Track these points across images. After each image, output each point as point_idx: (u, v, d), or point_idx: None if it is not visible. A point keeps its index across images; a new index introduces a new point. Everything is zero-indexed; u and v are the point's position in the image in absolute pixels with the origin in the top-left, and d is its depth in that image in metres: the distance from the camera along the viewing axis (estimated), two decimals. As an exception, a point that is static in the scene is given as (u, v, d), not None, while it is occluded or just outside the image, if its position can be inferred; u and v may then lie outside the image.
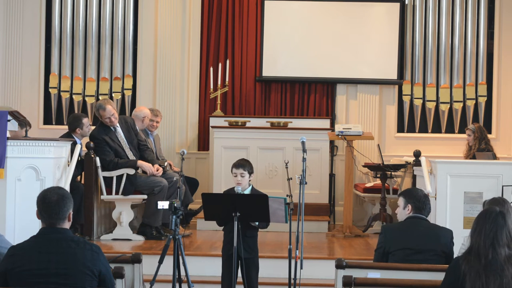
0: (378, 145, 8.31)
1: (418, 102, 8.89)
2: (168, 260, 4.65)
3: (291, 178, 4.97)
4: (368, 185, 8.10)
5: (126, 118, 7.03)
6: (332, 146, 8.65)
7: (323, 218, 7.78)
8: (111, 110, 6.72)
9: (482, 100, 8.83)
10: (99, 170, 6.79)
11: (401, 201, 4.32)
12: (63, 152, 5.76)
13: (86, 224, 6.79)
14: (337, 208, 8.56)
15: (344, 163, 7.89)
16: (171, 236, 4.54)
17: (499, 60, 8.90)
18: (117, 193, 6.76)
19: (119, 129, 6.84)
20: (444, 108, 8.86)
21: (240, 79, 8.97)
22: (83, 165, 6.80)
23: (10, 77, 8.91)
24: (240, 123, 8.01)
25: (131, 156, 6.83)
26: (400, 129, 8.98)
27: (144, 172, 6.79)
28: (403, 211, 4.29)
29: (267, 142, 7.91)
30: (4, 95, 8.88)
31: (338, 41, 8.80)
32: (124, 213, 6.83)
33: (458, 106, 8.83)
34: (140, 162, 6.77)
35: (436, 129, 8.92)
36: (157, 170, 6.80)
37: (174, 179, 6.99)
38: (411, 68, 8.91)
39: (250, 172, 4.83)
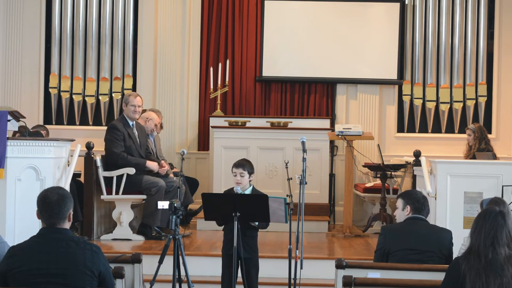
0: (378, 145, 8.31)
1: (418, 102, 8.89)
2: (168, 260, 4.64)
3: (291, 178, 4.97)
4: (368, 185, 8.10)
5: (140, 125, 7.09)
6: (332, 146, 8.65)
7: (323, 218, 7.78)
8: (140, 102, 6.87)
9: (482, 100, 8.83)
10: (99, 170, 6.80)
11: (399, 202, 4.31)
12: (63, 152, 5.76)
13: (86, 224, 6.79)
14: (337, 208, 8.57)
15: (344, 163, 7.89)
16: (171, 236, 4.54)
17: (499, 60, 8.90)
18: (117, 193, 6.77)
19: (135, 129, 6.89)
20: (444, 108, 8.86)
21: (240, 79, 8.97)
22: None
23: (10, 77, 8.91)
24: (240, 123, 8.01)
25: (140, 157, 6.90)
26: (400, 129, 8.98)
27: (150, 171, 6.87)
28: (402, 213, 4.29)
29: (267, 142, 7.91)
30: (4, 95, 8.88)
31: (338, 41, 8.80)
32: (124, 213, 6.83)
33: (458, 106, 8.83)
34: (149, 163, 6.81)
35: (436, 129, 8.92)
36: (164, 167, 6.90)
37: (174, 178, 7.01)
38: (411, 68, 8.91)
39: (250, 172, 4.83)
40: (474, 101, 8.83)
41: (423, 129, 8.93)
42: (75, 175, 6.90)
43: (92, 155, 6.84)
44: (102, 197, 6.86)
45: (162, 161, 7.07)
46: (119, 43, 8.90)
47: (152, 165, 6.86)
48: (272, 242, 6.72)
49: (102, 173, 6.79)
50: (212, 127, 8.09)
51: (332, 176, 8.60)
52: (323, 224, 7.66)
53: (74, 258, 3.08)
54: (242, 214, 4.40)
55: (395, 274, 3.78)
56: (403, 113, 8.97)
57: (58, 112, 8.94)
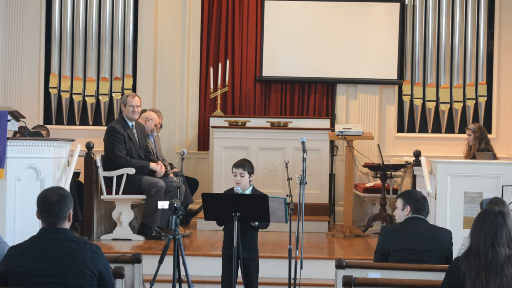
0: (378, 145, 8.31)
1: (418, 102, 8.89)
2: (168, 260, 4.65)
3: (291, 178, 4.97)
4: (368, 185, 8.09)
5: (141, 124, 7.07)
6: (332, 146, 8.65)
7: (323, 218, 7.78)
8: (138, 102, 6.84)
9: (482, 100, 8.83)
10: (100, 170, 6.80)
11: (399, 202, 4.31)
12: (63, 152, 5.76)
13: (86, 224, 6.80)
14: (337, 208, 8.56)
15: (344, 163, 7.89)
16: (171, 236, 4.54)
17: (499, 60, 8.89)
18: (117, 193, 6.77)
19: (134, 130, 6.88)
20: (444, 108, 8.86)
21: (240, 79, 8.97)
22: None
23: (10, 77, 8.91)
24: (240, 123, 8.01)
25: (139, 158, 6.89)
26: (400, 129, 8.98)
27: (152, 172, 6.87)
28: (401, 213, 4.28)
29: (267, 142, 7.91)
30: (4, 95, 8.88)
31: (338, 41, 8.80)
32: (124, 213, 6.83)
33: (458, 106, 8.83)
34: (152, 165, 6.81)
35: (436, 129, 8.92)
36: (161, 169, 6.89)
37: (174, 178, 7.01)
38: (411, 68, 8.91)
39: (250, 172, 4.83)
40: (474, 101, 8.83)
41: (423, 129, 8.93)
42: (75, 174, 6.90)
43: (92, 155, 6.84)
44: (102, 197, 6.86)
45: (159, 162, 7.05)
46: (119, 43, 8.90)
47: (155, 166, 6.86)
48: (272, 242, 6.72)
49: (102, 173, 6.79)
50: (212, 127, 8.09)
51: (332, 176, 8.60)
52: (323, 224, 7.66)
53: (74, 258, 3.08)
54: (242, 214, 4.41)
55: (395, 274, 3.78)
56: (403, 113, 8.97)
57: (58, 112, 8.94)
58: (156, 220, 6.79)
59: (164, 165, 7.03)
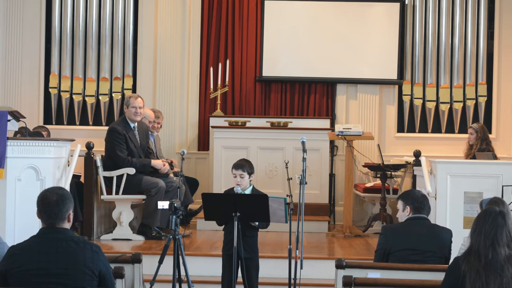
0: (378, 145, 8.31)
1: (418, 102, 8.89)
2: (168, 260, 4.65)
3: (291, 178, 4.97)
4: (368, 185, 8.09)
5: (143, 123, 7.07)
6: (332, 146, 8.65)
7: (323, 218, 7.78)
8: (141, 103, 6.84)
9: (482, 100, 8.83)
10: (100, 170, 6.80)
11: (400, 204, 4.32)
12: (63, 152, 5.76)
13: (86, 224, 6.80)
14: (337, 208, 8.56)
15: (344, 163, 7.89)
16: (171, 236, 4.54)
17: (499, 60, 8.89)
18: (117, 193, 6.77)
19: (136, 131, 6.88)
20: (444, 108, 8.86)
21: (240, 79, 8.96)
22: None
23: (10, 77, 8.90)
24: (240, 123, 8.01)
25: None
26: (400, 129, 8.98)
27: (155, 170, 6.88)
28: (402, 214, 4.29)
29: (267, 142, 7.91)
30: (4, 95, 8.88)
31: (338, 41, 8.80)
32: (124, 213, 6.83)
33: (458, 106, 8.83)
34: (153, 161, 6.82)
35: (436, 129, 8.92)
36: (164, 165, 6.90)
37: (174, 178, 7.01)
38: (411, 68, 8.91)
39: (250, 173, 4.83)
40: (474, 101, 8.83)
41: (423, 129, 8.93)
42: (75, 177, 6.90)
43: (92, 155, 6.84)
44: (102, 197, 6.87)
45: (162, 159, 7.09)
46: (119, 43, 8.89)
47: (157, 163, 6.87)
48: (272, 242, 6.72)
49: (102, 173, 6.80)
50: (212, 127, 8.09)
51: (332, 176, 8.60)
52: (323, 224, 7.66)
53: (74, 258, 3.08)
54: (242, 214, 4.41)
55: (395, 274, 3.78)
56: (403, 113, 8.96)
57: (58, 112, 8.94)
58: (156, 220, 6.79)
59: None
